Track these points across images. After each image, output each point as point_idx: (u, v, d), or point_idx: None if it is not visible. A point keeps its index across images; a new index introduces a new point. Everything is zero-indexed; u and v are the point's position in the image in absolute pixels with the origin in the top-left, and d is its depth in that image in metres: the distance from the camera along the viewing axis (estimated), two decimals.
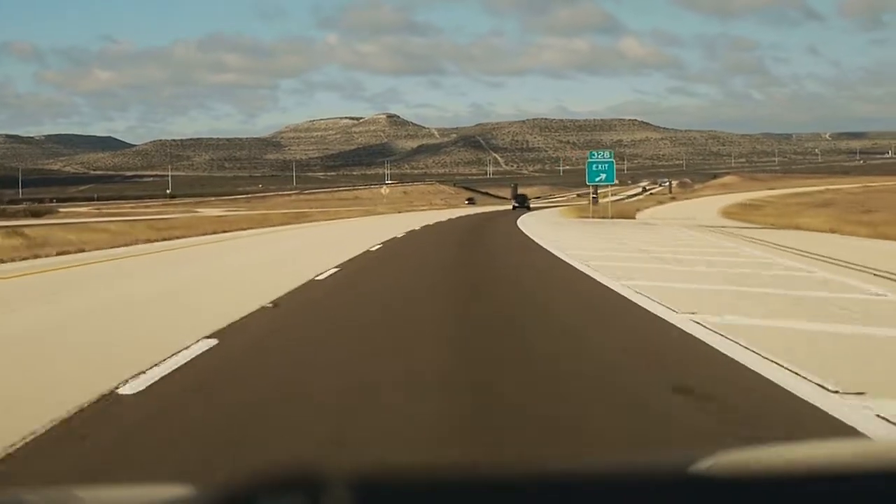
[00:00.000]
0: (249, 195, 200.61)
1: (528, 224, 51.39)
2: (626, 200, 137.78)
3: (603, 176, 61.82)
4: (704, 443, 5.88)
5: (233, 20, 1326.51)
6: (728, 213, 61.90)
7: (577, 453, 5.50)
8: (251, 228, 50.19)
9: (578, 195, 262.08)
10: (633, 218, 61.09)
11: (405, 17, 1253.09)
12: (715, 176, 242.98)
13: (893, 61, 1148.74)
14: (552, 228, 46.20)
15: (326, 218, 67.53)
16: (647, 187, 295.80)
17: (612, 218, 58.60)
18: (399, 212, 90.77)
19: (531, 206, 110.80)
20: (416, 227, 46.79)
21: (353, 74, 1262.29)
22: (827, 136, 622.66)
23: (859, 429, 6.11)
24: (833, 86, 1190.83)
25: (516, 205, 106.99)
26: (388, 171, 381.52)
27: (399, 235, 39.16)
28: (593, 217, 59.34)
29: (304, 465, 1.51)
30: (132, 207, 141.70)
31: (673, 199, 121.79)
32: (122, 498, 2.36)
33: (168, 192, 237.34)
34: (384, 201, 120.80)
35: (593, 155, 63.98)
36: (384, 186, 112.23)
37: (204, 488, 1.64)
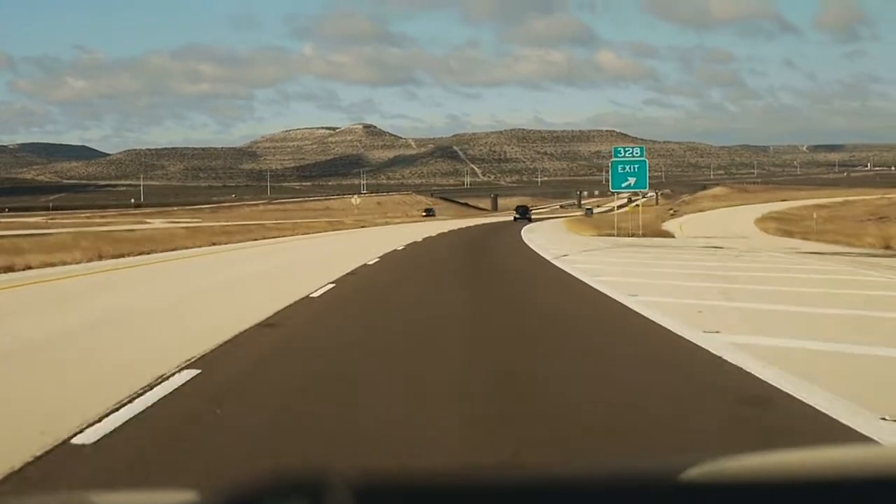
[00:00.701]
0: (215, 205, 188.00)
1: (545, 244, 40.48)
2: (616, 212, 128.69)
3: (632, 181, 47.85)
4: None
5: (207, 30, 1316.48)
6: (779, 230, 50.17)
7: (577, 457, 5.58)
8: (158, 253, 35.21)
9: (562, 206, 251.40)
10: (667, 236, 49.07)
11: (380, 27, 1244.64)
12: (704, 187, 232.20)
13: (868, 74, 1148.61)
14: (589, 256, 33.70)
15: (280, 234, 55.27)
16: (632, 198, 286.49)
17: (643, 235, 46.14)
18: (363, 226, 77.42)
19: (532, 217, 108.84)
20: (399, 246, 36.21)
21: (328, 85, 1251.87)
22: (804, 148, 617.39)
23: None
24: (809, 98, 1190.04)
25: (517, 216, 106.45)
26: (364, 182, 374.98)
27: (370, 262, 28.13)
28: (618, 235, 46.90)
29: (307, 468, 1.52)
30: (87, 217, 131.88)
31: (673, 212, 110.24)
32: (123, 500, 2.43)
33: (133, 201, 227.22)
34: (355, 212, 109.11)
35: (618, 152, 49.57)
36: (356, 196, 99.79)
37: (209, 492, 1.63)
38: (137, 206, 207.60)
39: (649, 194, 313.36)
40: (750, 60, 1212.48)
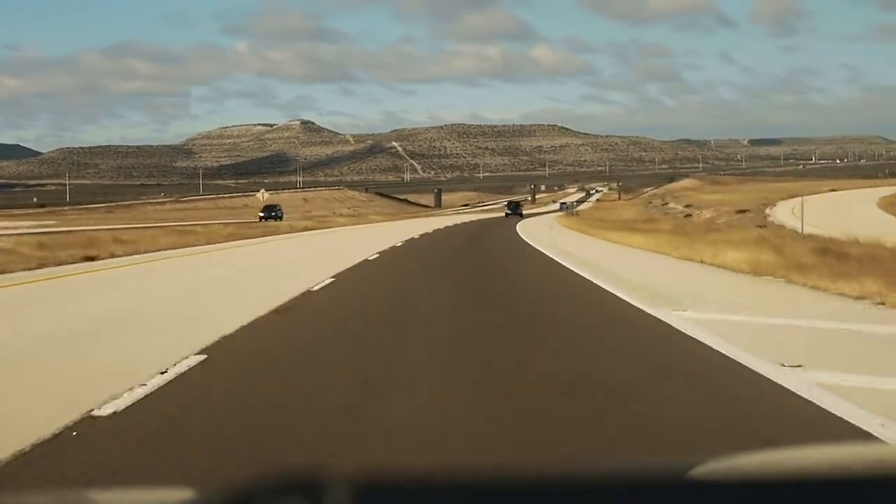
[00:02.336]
0: (113, 204, 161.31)
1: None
2: (586, 207, 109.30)
3: None
4: None
5: (139, 27, 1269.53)
6: None
7: (576, 457, 5.52)
8: None
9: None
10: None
11: (314, 23, 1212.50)
12: (672, 179, 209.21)
13: (804, 68, 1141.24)
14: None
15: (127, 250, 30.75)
16: (591, 192, 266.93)
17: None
18: (254, 237, 48.21)
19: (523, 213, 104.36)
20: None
21: (264, 82, 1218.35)
22: (745, 142, 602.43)
23: None
24: (747, 93, 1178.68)
25: (509, 212, 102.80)
26: (301, 178, 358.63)
27: None
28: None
29: (305, 467, 1.50)
30: None
31: (664, 203, 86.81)
32: (126, 500, 2.44)
33: (35, 200, 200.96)
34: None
35: None
36: (261, 192, 74.45)
37: (207, 491, 1.62)
38: (42, 205, 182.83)
39: (601, 188, 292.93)
40: (687, 55, 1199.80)
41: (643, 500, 1.48)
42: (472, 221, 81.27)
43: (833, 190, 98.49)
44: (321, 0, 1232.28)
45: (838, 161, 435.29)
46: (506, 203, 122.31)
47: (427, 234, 51.05)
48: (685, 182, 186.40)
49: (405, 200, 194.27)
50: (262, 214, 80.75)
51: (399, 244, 37.31)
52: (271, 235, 50.15)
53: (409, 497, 1.50)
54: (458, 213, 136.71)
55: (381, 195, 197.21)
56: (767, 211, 75.86)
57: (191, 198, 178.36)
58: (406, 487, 1.56)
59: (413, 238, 43.99)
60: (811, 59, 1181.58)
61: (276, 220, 78.33)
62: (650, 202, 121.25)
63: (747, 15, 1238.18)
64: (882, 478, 1.60)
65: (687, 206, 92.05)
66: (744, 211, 74.99)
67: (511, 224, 66.03)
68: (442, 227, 62.77)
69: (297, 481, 1.42)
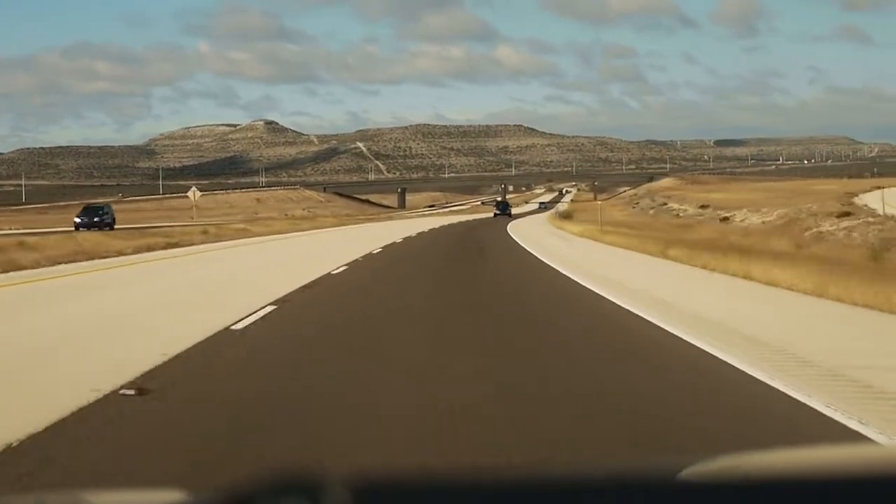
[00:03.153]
0: (48, 205, 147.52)
1: None
2: (566, 208, 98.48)
3: None
4: None
5: (97, 28, 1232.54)
6: None
7: (574, 458, 5.53)
8: None
9: (483, 203, 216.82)
10: None
11: (275, 23, 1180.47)
12: (651, 178, 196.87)
13: (768, 69, 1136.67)
14: None
15: None
16: (564, 192, 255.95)
17: None
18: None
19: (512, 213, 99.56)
20: None
21: (227, 82, 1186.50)
22: (711, 143, 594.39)
23: None
24: (710, 94, 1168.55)
25: (497, 212, 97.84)
26: (263, 179, 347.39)
27: None
28: None
29: (304, 468, 1.49)
30: None
31: (663, 204, 75.02)
32: (126, 500, 2.43)
33: None
34: (193, 215, 71.32)
35: None
36: (193, 191, 61.71)
37: (205, 492, 1.60)
38: None
39: (570, 188, 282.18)
40: (650, 56, 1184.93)
41: (643, 499, 1.48)
42: (446, 227, 65.51)
43: (879, 187, 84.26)
44: (282, 0, 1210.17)
45: (806, 161, 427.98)
46: (494, 203, 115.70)
47: (391, 246, 38.13)
48: (665, 182, 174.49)
49: (367, 201, 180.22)
50: (77, 220, 58.71)
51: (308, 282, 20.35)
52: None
53: (408, 497, 1.49)
54: (425, 215, 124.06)
55: (341, 195, 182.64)
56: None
57: (135, 198, 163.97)
58: (405, 487, 1.55)
59: (356, 261, 28.50)
60: (774, 59, 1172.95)
61: (99, 228, 55.28)
62: (635, 203, 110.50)
63: (709, 15, 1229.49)
64: (878, 479, 1.59)
65: (702, 207, 79.61)
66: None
67: (502, 230, 53.33)
68: (411, 234, 48.31)
69: (296, 481, 1.41)
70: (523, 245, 37.45)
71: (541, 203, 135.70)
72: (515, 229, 54.67)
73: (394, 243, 40.48)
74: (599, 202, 79.07)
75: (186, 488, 1.70)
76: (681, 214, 77.57)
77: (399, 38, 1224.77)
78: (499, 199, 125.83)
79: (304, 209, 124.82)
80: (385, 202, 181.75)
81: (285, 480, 1.41)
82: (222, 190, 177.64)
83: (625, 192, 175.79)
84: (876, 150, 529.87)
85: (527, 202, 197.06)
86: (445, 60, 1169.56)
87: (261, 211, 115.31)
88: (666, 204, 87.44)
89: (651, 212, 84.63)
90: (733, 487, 1.56)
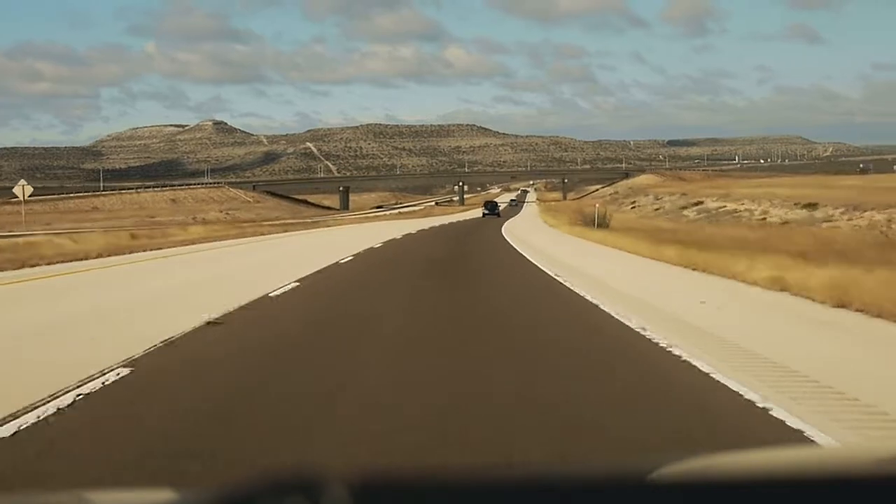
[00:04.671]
0: None
1: None
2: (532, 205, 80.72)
3: None
4: None
5: (39, 28, 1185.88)
6: None
7: (573, 457, 5.50)
8: None
9: (438, 203, 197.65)
10: None
11: (222, 23, 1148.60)
12: (627, 175, 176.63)
13: (718, 69, 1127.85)
14: None
15: None
16: (525, 189, 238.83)
17: None
18: None
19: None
20: None
21: (176, 83, 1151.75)
22: (664, 142, 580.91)
23: None
24: (661, 94, 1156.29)
25: (486, 212, 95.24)
26: (209, 180, 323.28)
27: None
28: None
29: (304, 468, 1.47)
30: None
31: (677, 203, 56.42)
32: (126, 500, 2.40)
33: None
34: (24, 222, 51.71)
35: None
36: (20, 183, 43.37)
37: (204, 492, 1.57)
38: None
39: (527, 188, 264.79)
40: (600, 55, 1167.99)
41: (641, 499, 1.46)
42: (403, 240, 44.11)
43: None
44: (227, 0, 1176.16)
45: (762, 161, 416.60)
46: (483, 203, 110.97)
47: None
48: (643, 178, 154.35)
49: (304, 201, 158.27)
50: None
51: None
52: None
53: (407, 497, 1.47)
54: (369, 219, 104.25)
55: (274, 195, 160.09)
56: None
57: (42, 198, 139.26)
58: (405, 487, 1.53)
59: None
60: (724, 59, 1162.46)
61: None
62: (617, 202, 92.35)
63: (659, 15, 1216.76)
64: (872, 478, 1.58)
65: (720, 206, 60.75)
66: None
67: (517, 260, 29.93)
68: (329, 264, 26.44)
69: (295, 481, 1.39)
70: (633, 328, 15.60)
71: (511, 200, 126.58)
72: (541, 256, 29.80)
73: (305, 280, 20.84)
74: (568, 202, 60.40)
75: (186, 488, 1.65)
76: (703, 213, 58.46)
77: (348, 38, 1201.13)
78: (487, 199, 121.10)
79: (221, 211, 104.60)
80: (327, 203, 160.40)
81: (285, 480, 1.39)
82: (149, 189, 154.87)
83: (596, 190, 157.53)
84: (830, 149, 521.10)
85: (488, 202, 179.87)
86: (395, 61, 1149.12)
87: (171, 214, 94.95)
88: (701, 203, 66.56)
89: (689, 214, 63.47)
90: (732, 487, 1.54)
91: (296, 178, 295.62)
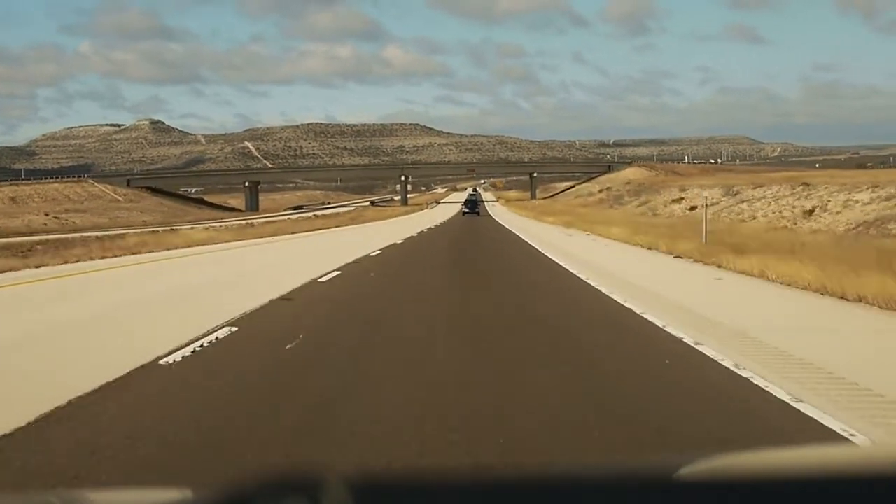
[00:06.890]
0: None
1: None
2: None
3: None
4: None
5: None
6: None
7: (572, 458, 5.45)
8: None
9: (373, 203, 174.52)
10: None
11: (156, 22, 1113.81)
12: (609, 168, 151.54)
13: (659, 70, 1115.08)
14: None
15: None
16: (477, 189, 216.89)
17: None
18: None
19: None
20: None
21: (112, 83, 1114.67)
22: (611, 142, 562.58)
23: None
24: (603, 94, 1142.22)
25: (466, 210, 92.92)
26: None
27: None
28: None
29: (304, 467, 1.46)
30: None
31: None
32: (123, 500, 2.38)
33: None
34: None
35: None
36: None
37: (204, 491, 1.56)
38: None
39: (478, 188, 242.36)
40: (541, 55, 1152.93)
41: (641, 499, 1.44)
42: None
43: None
44: None
45: (712, 161, 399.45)
46: (464, 201, 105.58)
47: None
48: (628, 171, 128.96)
49: (200, 200, 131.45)
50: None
51: None
52: None
53: (408, 496, 1.45)
54: (271, 221, 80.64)
55: (156, 192, 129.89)
56: None
57: None
58: (405, 487, 1.51)
59: None
60: (666, 59, 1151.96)
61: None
62: (618, 201, 70.25)
63: (600, 14, 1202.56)
64: (875, 478, 1.55)
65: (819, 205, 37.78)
66: None
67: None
68: None
69: (296, 481, 1.37)
70: None
71: (468, 201, 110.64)
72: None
73: None
74: (540, 201, 37.31)
75: (186, 488, 1.65)
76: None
77: (285, 37, 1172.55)
78: (469, 196, 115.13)
79: (49, 214, 79.38)
80: (233, 202, 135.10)
81: (285, 480, 1.38)
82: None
83: (571, 187, 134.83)
84: (779, 149, 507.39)
85: (438, 202, 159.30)
86: (334, 60, 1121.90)
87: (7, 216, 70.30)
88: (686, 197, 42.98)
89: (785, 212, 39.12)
90: (732, 487, 1.52)
91: (187, 172, 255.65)
